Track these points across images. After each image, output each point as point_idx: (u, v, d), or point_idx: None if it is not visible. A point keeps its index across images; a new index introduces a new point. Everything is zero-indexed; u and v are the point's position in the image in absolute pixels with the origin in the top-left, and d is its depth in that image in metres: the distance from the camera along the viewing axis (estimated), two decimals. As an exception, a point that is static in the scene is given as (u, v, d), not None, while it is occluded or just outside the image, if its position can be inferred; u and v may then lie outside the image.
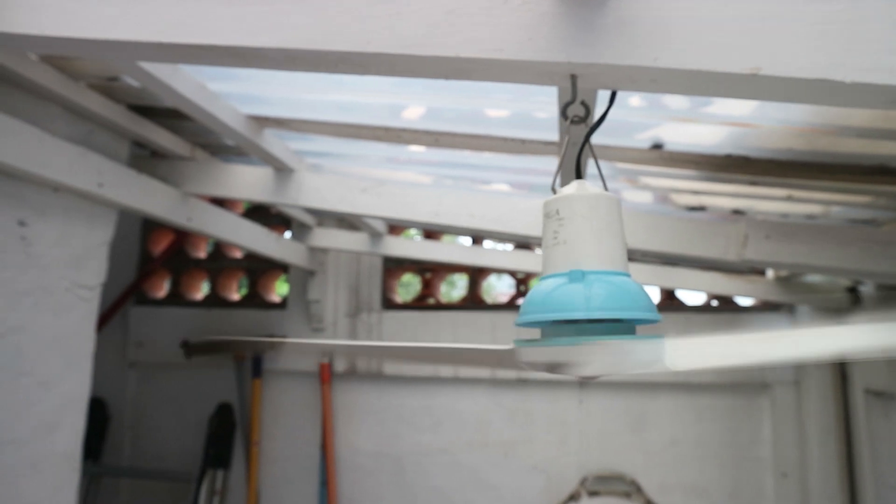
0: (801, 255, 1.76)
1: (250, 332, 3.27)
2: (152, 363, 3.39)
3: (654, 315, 0.62)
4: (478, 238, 3.12)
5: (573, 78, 0.70)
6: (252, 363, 3.26)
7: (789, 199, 1.83)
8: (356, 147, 1.94)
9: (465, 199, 2.00)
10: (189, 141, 2.10)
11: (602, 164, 0.77)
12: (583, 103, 0.74)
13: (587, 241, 0.63)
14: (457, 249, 2.97)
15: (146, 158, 2.08)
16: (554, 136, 1.57)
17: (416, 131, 1.69)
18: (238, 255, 3.50)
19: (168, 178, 2.01)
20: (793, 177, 1.59)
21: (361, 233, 2.89)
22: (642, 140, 1.56)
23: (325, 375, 3.20)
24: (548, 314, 0.61)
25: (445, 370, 3.14)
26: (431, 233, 3.27)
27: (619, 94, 0.76)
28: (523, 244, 3.06)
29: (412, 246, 2.96)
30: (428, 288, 3.34)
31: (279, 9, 0.74)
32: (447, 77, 0.75)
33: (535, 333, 0.67)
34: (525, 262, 2.95)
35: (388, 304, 3.29)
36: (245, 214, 3.31)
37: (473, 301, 3.26)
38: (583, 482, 2.99)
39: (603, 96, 0.85)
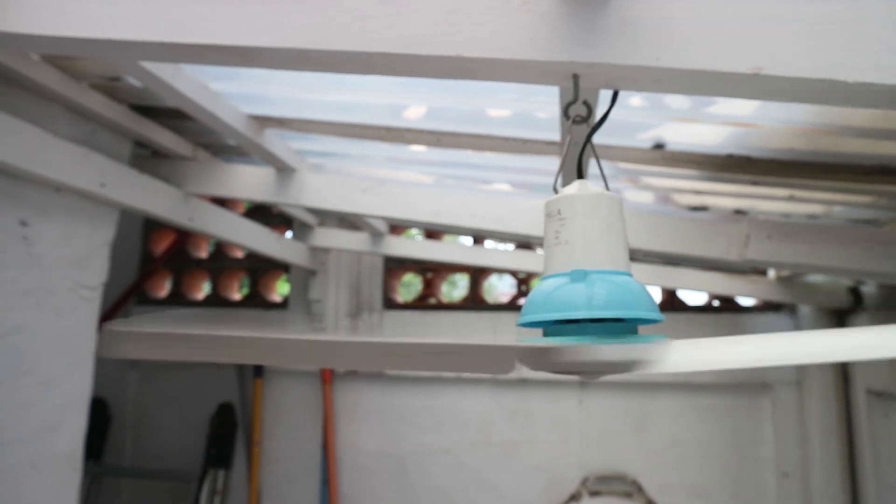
0: (803, 255, 1.76)
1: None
2: (154, 363, 3.39)
3: (657, 315, 0.62)
4: (479, 238, 3.12)
5: (575, 78, 0.70)
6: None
7: (791, 199, 1.83)
8: (358, 147, 1.94)
9: (466, 198, 2.00)
10: (191, 141, 2.11)
11: (603, 164, 0.77)
12: (585, 103, 0.74)
13: (589, 240, 0.63)
14: (458, 249, 2.97)
15: (148, 158, 2.08)
16: (555, 135, 1.57)
17: (417, 131, 1.69)
18: (239, 254, 3.50)
19: (170, 178, 2.01)
20: (794, 177, 1.58)
21: (363, 232, 2.89)
22: (644, 140, 1.56)
23: (327, 375, 3.20)
24: (550, 314, 0.61)
25: (448, 372, 3.13)
26: (433, 232, 3.27)
27: (621, 94, 0.76)
28: (524, 244, 3.06)
29: (413, 246, 2.96)
30: (429, 288, 3.34)
31: (281, 8, 0.74)
32: (449, 77, 0.75)
33: (537, 333, 0.67)
34: (526, 262, 2.95)
35: (390, 303, 3.29)
36: (246, 214, 3.31)
37: (475, 301, 3.26)
38: (584, 482, 2.99)
39: (605, 96, 0.85)
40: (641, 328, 0.64)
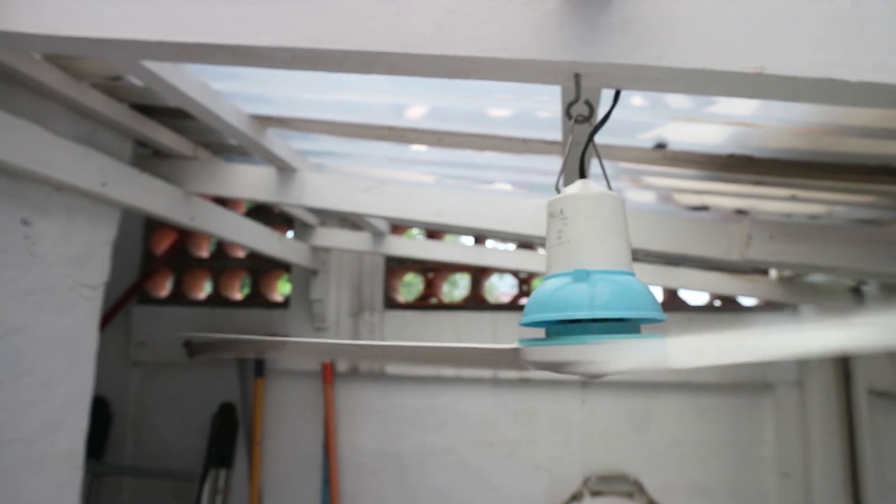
0: (805, 255, 1.76)
1: (253, 332, 3.27)
2: (155, 362, 3.40)
3: (659, 314, 0.61)
4: (480, 238, 3.12)
5: (577, 77, 0.70)
6: (254, 362, 3.26)
7: (793, 198, 1.83)
8: (359, 146, 1.94)
9: (467, 198, 1.99)
10: (192, 140, 2.11)
11: (605, 163, 0.77)
12: (587, 102, 0.74)
13: (591, 240, 0.63)
14: (459, 249, 2.97)
15: (149, 158, 2.08)
16: (556, 135, 1.57)
17: (418, 131, 1.69)
18: (240, 254, 3.50)
19: (171, 177, 2.01)
20: (796, 176, 1.58)
21: (364, 232, 2.89)
22: (645, 140, 1.56)
23: (328, 375, 3.20)
24: (552, 314, 0.61)
25: (448, 370, 3.14)
26: (434, 232, 3.26)
27: (622, 94, 0.76)
28: (525, 244, 3.06)
29: (414, 245, 2.96)
30: (430, 287, 3.34)
31: (282, 8, 0.74)
32: (450, 76, 0.75)
33: (540, 333, 0.67)
34: (527, 261, 2.95)
35: (391, 303, 3.29)
36: (247, 214, 3.31)
37: (476, 301, 3.26)
38: (586, 482, 2.99)
39: (607, 95, 0.85)
40: (644, 328, 0.64)
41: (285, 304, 3.38)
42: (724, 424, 2.98)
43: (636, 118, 1.47)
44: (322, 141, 1.93)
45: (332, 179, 2.06)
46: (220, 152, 2.24)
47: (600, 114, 0.78)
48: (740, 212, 2.11)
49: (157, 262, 3.46)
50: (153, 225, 3.53)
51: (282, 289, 3.58)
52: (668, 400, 3.02)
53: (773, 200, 1.94)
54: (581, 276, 0.61)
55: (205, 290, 3.56)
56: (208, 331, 3.29)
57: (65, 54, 1.48)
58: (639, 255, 2.31)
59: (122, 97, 1.76)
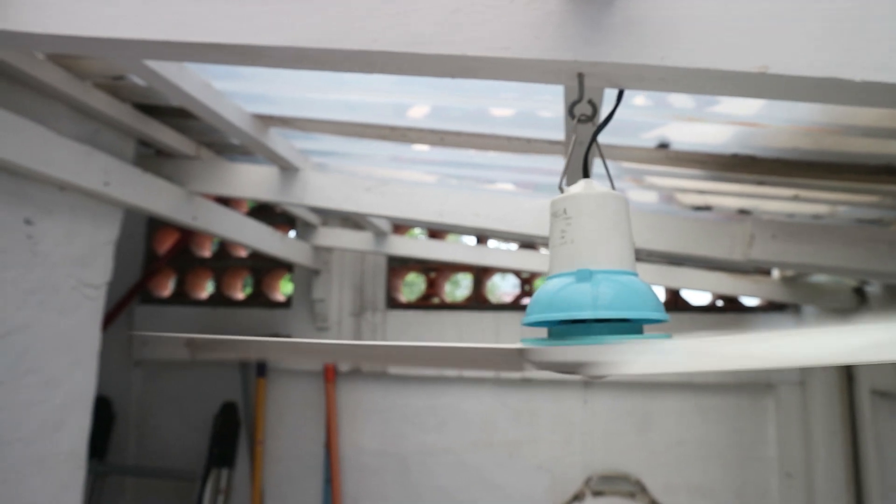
0: (807, 255, 1.76)
1: (255, 332, 3.28)
2: (157, 362, 3.40)
3: (662, 315, 0.61)
4: (482, 237, 3.12)
5: (580, 76, 0.70)
6: (256, 362, 3.26)
7: (796, 198, 1.83)
8: (361, 146, 1.94)
9: (469, 198, 1.99)
10: (194, 140, 2.11)
11: (608, 163, 0.77)
12: (590, 102, 0.73)
13: (594, 240, 0.63)
14: (461, 249, 2.97)
15: (151, 157, 2.08)
16: (558, 135, 1.56)
17: (421, 130, 1.69)
18: (243, 254, 3.50)
19: (173, 177, 2.01)
20: (799, 176, 1.58)
21: (366, 232, 2.89)
22: (648, 139, 1.56)
23: (330, 375, 3.20)
24: (555, 314, 0.61)
25: (450, 370, 3.14)
26: (436, 232, 3.26)
27: (625, 94, 0.76)
28: (528, 244, 3.05)
29: (417, 245, 2.96)
30: (432, 287, 3.34)
31: (284, 7, 0.74)
32: (453, 76, 0.75)
33: (542, 333, 0.67)
34: (529, 261, 2.95)
35: (393, 303, 3.29)
36: (250, 213, 3.32)
37: (478, 301, 3.26)
38: (587, 482, 2.98)
39: (609, 95, 0.85)
40: (647, 328, 0.64)
41: (287, 303, 3.38)
42: (727, 424, 2.98)
43: (639, 118, 1.47)
44: (324, 140, 1.93)
45: (335, 179, 2.06)
46: (222, 152, 2.24)
47: (603, 113, 0.78)
48: (743, 212, 2.11)
49: (159, 261, 3.46)
50: (156, 224, 3.53)
51: (284, 288, 3.58)
52: (670, 400, 3.02)
53: (775, 200, 1.94)
54: (584, 276, 0.61)
55: (207, 289, 3.56)
56: (210, 331, 3.29)
57: (67, 54, 1.48)
58: (642, 255, 2.31)
59: (125, 97, 1.76)
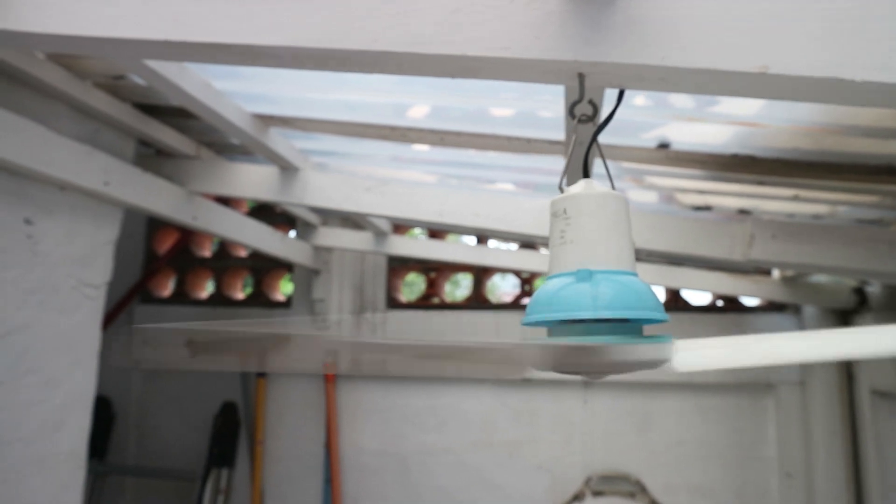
0: (808, 255, 1.76)
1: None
2: (157, 362, 3.40)
3: (662, 315, 0.61)
4: (482, 237, 3.11)
5: (581, 77, 0.70)
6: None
7: (796, 198, 1.82)
8: (361, 146, 1.94)
9: (469, 198, 1.99)
10: (194, 140, 2.11)
11: (608, 163, 0.77)
12: (590, 102, 0.73)
13: (594, 240, 0.63)
14: (461, 249, 2.97)
15: (152, 157, 2.08)
16: (559, 135, 1.56)
17: (421, 130, 1.69)
18: (243, 253, 3.50)
19: (173, 176, 2.01)
20: (799, 176, 1.58)
21: (366, 232, 2.89)
22: (648, 139, 1.56)
23: (330, 375, 3.20)
24: (554, 314, 0.61)
25: (449, 369, 3.13)
26: (436, 232, 3.26)
27: (626, 94, 0.76)
28: (528, 244, 3.06)
29: (417, 245, 2.96)
30: (432, 287, 3.34)
31: (284, 7, 0.74)
32: (453, 76, 0.75)
33: (542, 333, 0.67)
34: (529, 261, 2.95)
35: (393, 303, 3.29)
36: (250, 213, 3.32)
37: (478, 301, 3.26)
38: (587, 482, 2.98)
39: (610, 95, 0.85)
40: (646, 328, 0.64)
41: (287, 303, 3.38)
42: (727, 424, 2.98)
43: (639, 118, 1.47)
44: (324, 140, 1.93)
45: (335, 179, 2.06)
46: (222, 152, 2.24)
47: (604, 113, 0.78)
48: (743, 212, 2.11)
49: (159, 261, 3.46)
50: (156, 224, 3.53)
51: (284, 288, 3.58)
52: (670, 400, 3.02)
53: (776, 200, 1.94)
54: (584, 276, 0.61)
55: (207, 289, 3.56)
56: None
57: (68, 53, 1.48)
58: (641, 255, 2.31)
59: (125, 96, 1.76)
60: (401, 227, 3.04)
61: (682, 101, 1.37)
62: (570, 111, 0.73)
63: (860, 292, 2.58)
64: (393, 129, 1.69)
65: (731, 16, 0.66)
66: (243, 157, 2.27)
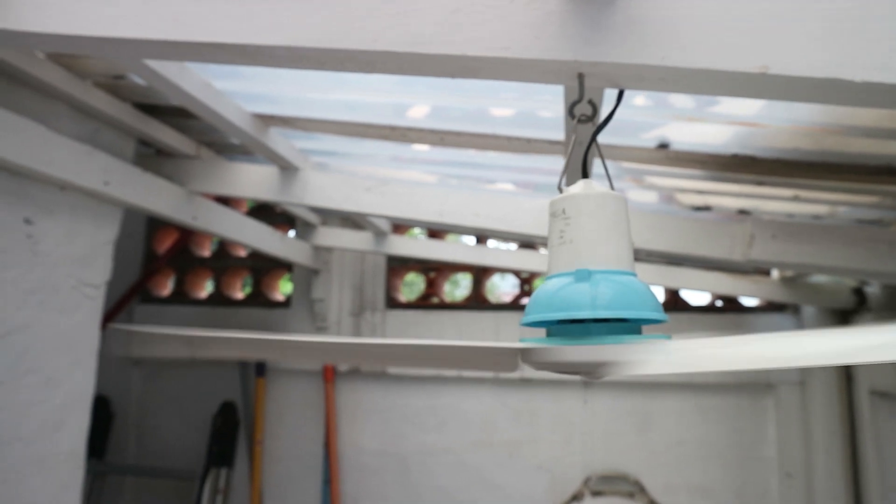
0: (807, 256, 1.76)
1: (254, 331, 3.27)
2: (156, 361, 3.40)
3: (661, 315, 0.61)
4: (482, 237, 3.12)
5: (580, 77, 0.70)
6: (256, 362, 3.26)
7: (795, 199, 1.83)
8: (361, 146, 1.94)
9: (469, 198, 1.99)
10: (194, 139, 2.11)
11: (607, 163, 0.77)
12: (590, 102, 0.74)
13: (593, 240, 0.63)
14: (461, 249, 2.97)
15: (151, 157, 2.08)
16: (558, 135, 1.57)
17: (421, 130, 1.69)
18: (242, 253, 3.50)
19: (173, 176, 2.01)
20: (799, 177, 1.58)
21: (366, 232, 2.89)
22: (648, 139, 1.56)
23: (329, 374, 3.20)
24: (554, 314, 0.61)
25: (449, 370, 3.14)
26: (436, 232, 3.26)
27: (625, 94, 0.76)
28: (527, 244, 3.06)
29: (416, 245, 2.96)
30: (432, 287, 3.34)
31: (284, 7, 0.74)
32: (454, 76, 0.75)
33: (541, 333, 0.67)
34: (529, 261, 2.95)
35: (392, 303, 3.29)
36: (249, 213, 3.32)
37: (477, 300, 3.26)
38: (586, 482, 2.98)
39: (610, 95, 0.85)
40: (645, 328, 0.64)
41: (287, 303, 3.38)
42: (726, 424, 2.98)
43: (639, 118, 1.47)
44: (324, 140, 1.93)
45: (335, 179, 2.06)
46: (222, 151, 2.24)
47: (603, 113, 0.78)
48: (743, 212, 2.11)
49: (159, 261, 3.46)
50: (155, 224, 3.53)
51: (283, 288, 3.58)
52: (670, 400, 3.02)
53: (775, 200, 1.94)
54: (583, 276, 0.61)
55: (206, 289, 3.56)
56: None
57: (68, 53, 1.48)
58: (641, 255, 2.31)
59: (126, 96, 1.76)
60: (400, 226, 3.04)
61: (681, 101, 1.37)
62: (570, 111, 0.73)
63: (859, 292, 2.58)
64: (393, 129, 1.69)
65: (731, 16, 0.66)
66: (243, 156, 2.27)
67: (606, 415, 3.06)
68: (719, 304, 3.09)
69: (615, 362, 0.60)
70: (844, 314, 2.70)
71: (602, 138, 0.73)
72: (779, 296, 2.62)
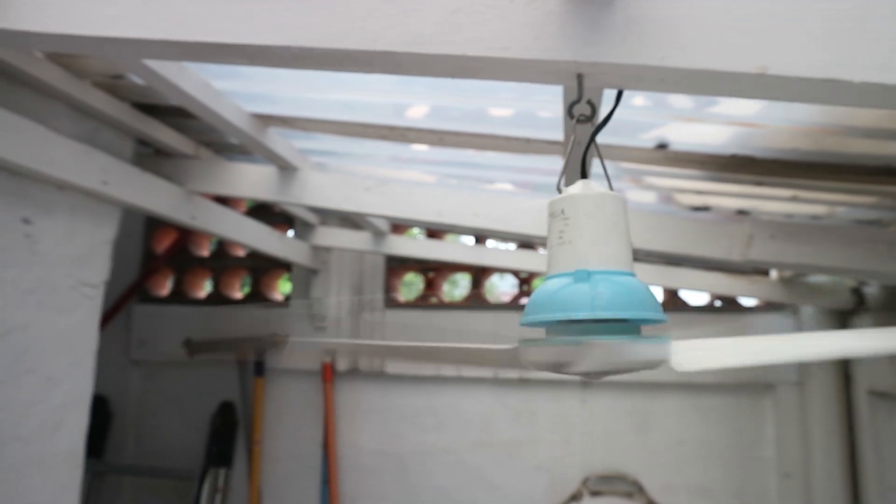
0: (806, 256, 1.76)
1: (253, 331, 3.27)
2: (155, 361, 3.40)
3: (660, 315, 0.61)
4: (481, 237, 3.12)
5: (579, 77, 0.70)
6: (254, 362, 3.26)
7: (794, 199, 1.83)
8: (360, 146, 1.94)
9: (468, 198, 1.99)
10: (193, 139, 2.11)
11: (606, 163, 0.77)
12: (589, 102, 0.73)
13: (592, 240, 0.63)
14: (460, 249, 2.97)
15: (150, 157, 2.08)
16: (558, 135, 1.57)
17: (420, 130, 1.69)
18: (241, 253, 3.50)
19: (172, 176, 2.01)
20: (798, 177, 1.58)
21: (364, 231, 2.89)
22: (647, 140, 1.56)
23: (328, 374, 3.20)
24: (553, 314, 0.61)
25: (448, 369, 3.13)
26: (435, 232, 3.26)
27: (624, 94, 0.76)
28: (526, 244, 3.06)
29: (415, 245, 2.96)
30: (431, 287, 3.34)
31: (284, 7, 0.74)
32: (453, 76, 0.75)
33: (540, 333, 0.67)
34: (528, 261, 2.95)
35: (391, 303, 3.29)
36: (248, 213, 3.31)
37: (476, 300, 3.26)
38: (585, 482, 2.98)
39: (609, 95, 0.85)
40: (645, 328, 0.64)
41: (286, 303, 3.38)
42: (725, 425, 2.98)
43: (638, 118, 1.47)
44: (323, 140, 1.93)
45: (334, 179, 2.06)
46: (221, 151, 2.24)
47: (602, 114, 0.78)
48: (742, 212, 2.11)
49: (157, 260, 3.46)
50: (154, 224, 3.53)
51: (282, 288, 3.58)
52: (669, 400, 3.02)
53: (774, 201, 1.94)
54: (582, 276, 0.61)
55: (205, 289, 3.56)
56: (209, 330, 3.28)
57: (66, 53, 1.48)
58: (640, 256, 2.31)
59: (124, 96, 1.76)
60: (399, 226, 3.04)
61: (681, 101, 1.37)
62: (569, 111, 0.73)
63: (858, 293, 2.58)
64: (392, 128, 1.69)
65: (731, 16, 0.66)
66: (242, 156, 2.27)
67: (605, 415, 3.06)
68: (718, 304, 3.09)
69: (614, 362, 0.60)
70: (843, 314, 2.70)
71: (601, 138, 0.73)
72: (777, 296, 2.62)
